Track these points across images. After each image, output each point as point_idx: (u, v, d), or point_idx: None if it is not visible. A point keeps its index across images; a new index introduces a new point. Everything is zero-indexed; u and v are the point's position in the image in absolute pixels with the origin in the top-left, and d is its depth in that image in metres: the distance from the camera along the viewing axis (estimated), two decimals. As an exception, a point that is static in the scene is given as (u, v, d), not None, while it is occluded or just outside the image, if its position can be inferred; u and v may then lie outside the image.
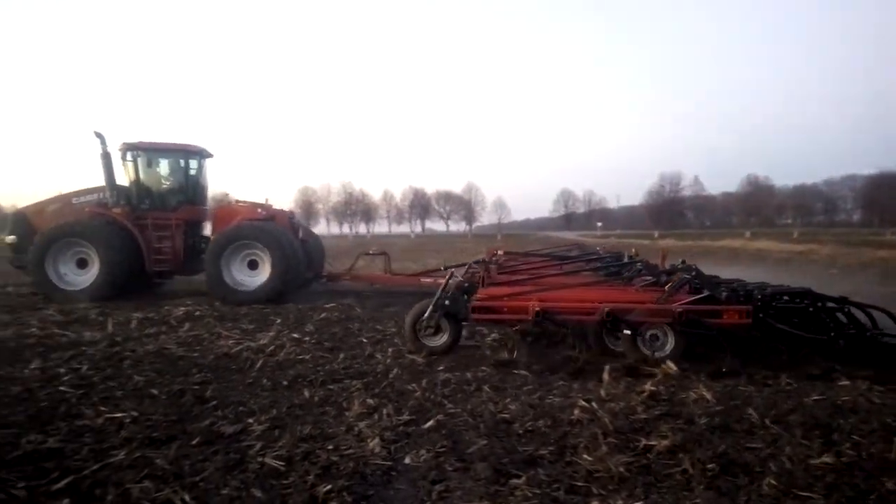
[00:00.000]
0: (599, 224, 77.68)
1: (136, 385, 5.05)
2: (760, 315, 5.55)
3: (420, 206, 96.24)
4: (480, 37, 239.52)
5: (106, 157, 11.61)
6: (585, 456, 3.50)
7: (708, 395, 4.56)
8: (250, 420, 4.12)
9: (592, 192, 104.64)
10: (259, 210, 12.16)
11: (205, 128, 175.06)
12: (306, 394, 4.79)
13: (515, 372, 5.44)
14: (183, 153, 12.34)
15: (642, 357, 5.60)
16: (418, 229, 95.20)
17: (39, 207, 12.15)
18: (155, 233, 11.66)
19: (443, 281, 6.56)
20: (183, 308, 9.35)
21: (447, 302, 6.24)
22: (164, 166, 12.36)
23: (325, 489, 3.04)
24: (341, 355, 6.15)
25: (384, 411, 4.28)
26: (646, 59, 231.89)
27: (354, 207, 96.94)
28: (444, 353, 6.18)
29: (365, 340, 7.03)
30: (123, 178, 11.91)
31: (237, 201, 13.08)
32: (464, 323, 6.34)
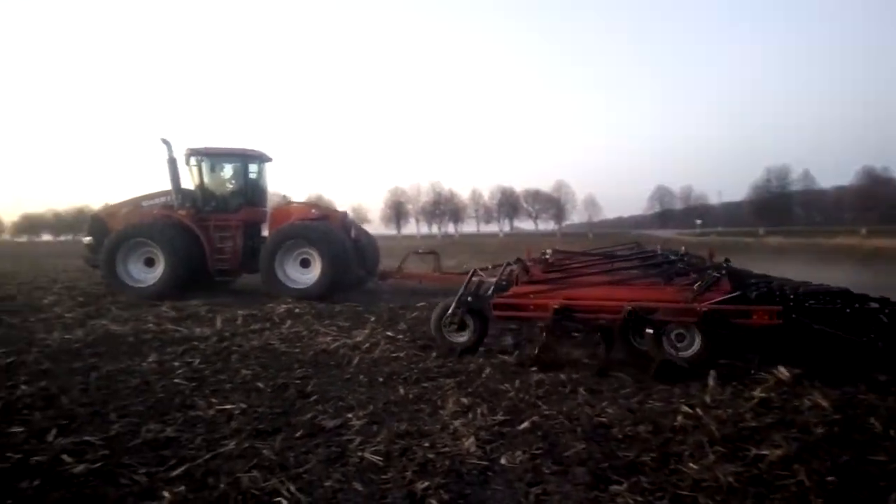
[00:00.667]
0: (699, 222, 74.19)
1: (243, 378, 5.32)
2: (793, 316, 5.26)
3: (508, 204, 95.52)
4: (570, 28, 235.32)
5: (172, 163, 12.28)
6: (691, 464, 3.35)
7: (824, 403, 4.25)
8: (349, 415, 4.24)
9: (691, 188, 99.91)
10: (312, 210, 12.69)
11: (301, 133, 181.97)
12: (401, 391, 4.88)
13: (613, 375, 5.30)
14: (243, 157, 12.95)
15: (667, 357, 5.35)
16: (507, 228, 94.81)
17: (113, 210, 13.03)
18: (216, 233, 12.30)
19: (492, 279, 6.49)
20: (284, 306, 9.78)
21: (469, 299, 6.34)
22: (225, 170, 13.04)
23: (422, 486, 3.08)
24: (434, 353, 6.21)
25: (478, 410, 4.28)
26: (747, 37, 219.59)
27: (443, 207, 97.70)
28: (468, 351, 6.25)
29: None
30: (189, 181, 12.64)
31: (293, 203, 13.50)
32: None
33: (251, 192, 13.11)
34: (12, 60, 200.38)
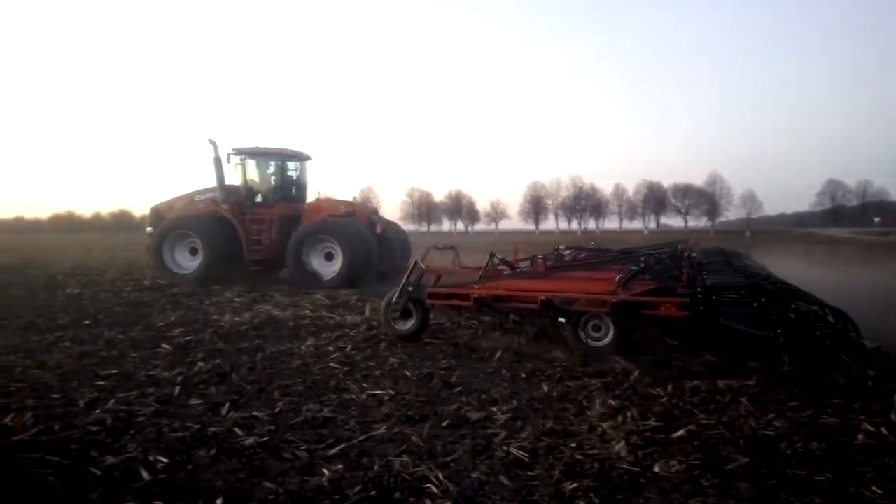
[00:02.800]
0: (877, 220, 66.19)
1: (391, 366, 5.52)
2: (700, 308, 5.32)
3: (655, 199, 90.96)
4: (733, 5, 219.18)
5: (217, 161, 13.26)
6: (875, 488, 2.97)
7: None
8: (493, 409, 4.24)
9: (869, 182, 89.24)
10: (340, 207, 13.42)
11: (442, 131, 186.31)
12: (545, 388, 4.80)
13: (779, 387, 4.83)
14: (282, 157, 14.01)
15: (584, 346, 5.86)
16: (652, 225, 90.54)
17: (170, 204, 14.29)
18: (253, 226, 13.28)
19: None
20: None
21: (411, 288, 6.76)
22: (266, 168, 13.99)
23: (570, 486, 2.99)
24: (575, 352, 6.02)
25: (628, 414, 4.09)
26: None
27: (584, 202, 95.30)
28: (411, 338, 6.65)
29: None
30: (235, 178, 13.70)
31: (324, 199, 14.09)
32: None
33: (289, 189, 14.16)
34: (67, 65, 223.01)
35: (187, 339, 6.71)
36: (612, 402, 4.36)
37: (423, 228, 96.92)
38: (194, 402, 4.48)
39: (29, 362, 5.67)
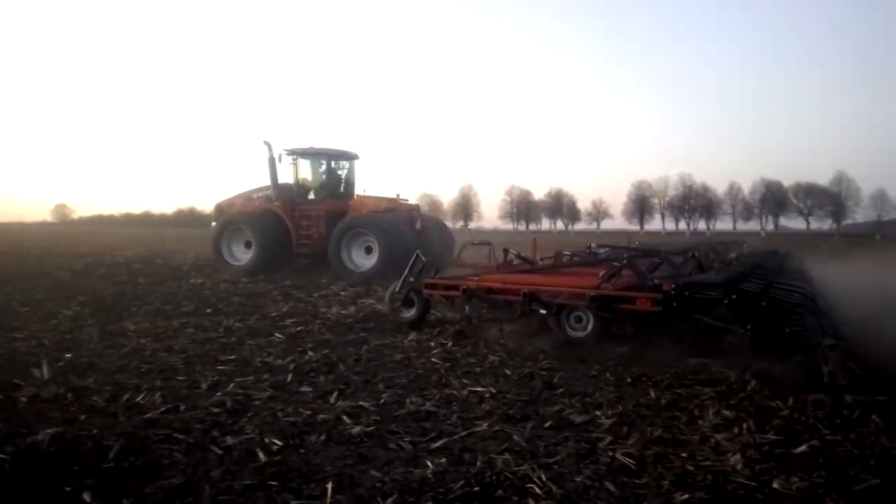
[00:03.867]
0: None
1: (491, 364, 5.53)
2: (674, 304, 5.68)
3: (773, 200, 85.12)
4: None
5: (271, 161, 14.24)
6: None
7: None
8: (597, 412, 4.13)
9: None
10: (382, 203, 14.10)
11: (543, 129, 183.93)
12: (652, 394, 4.62)
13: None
14: (331, 156, 14.96)
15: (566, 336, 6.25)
16: (770, 226, 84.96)
17: (231, 201, 15.38)
18: (302, 222, 14.20)
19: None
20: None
21: (412, 279, 7.30)
22: (315, 167, 14.99)
23: (681, 498, 2.86)
24: (691, 360, 5.72)
25: (744, 426, 3.86)
26: None
27: (693, 202, 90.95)
28: (414, 325, 7.22)
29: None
30: (288, 177, 14.72)
31: (368, 196, 14.74)
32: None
33: (337, 186, 15.11)
34: (137, 72, 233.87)
35: (298, 329, 7.04)
36: (726, 413, 4.13)
37: (522, 227, 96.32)
38: (305, 389, 4.70)
39: (157, 346, 6.17)
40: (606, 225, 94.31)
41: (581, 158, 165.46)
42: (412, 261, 7.56)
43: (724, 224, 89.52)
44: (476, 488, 2.93)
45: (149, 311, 8.36)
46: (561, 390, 4.71)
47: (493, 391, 4.62)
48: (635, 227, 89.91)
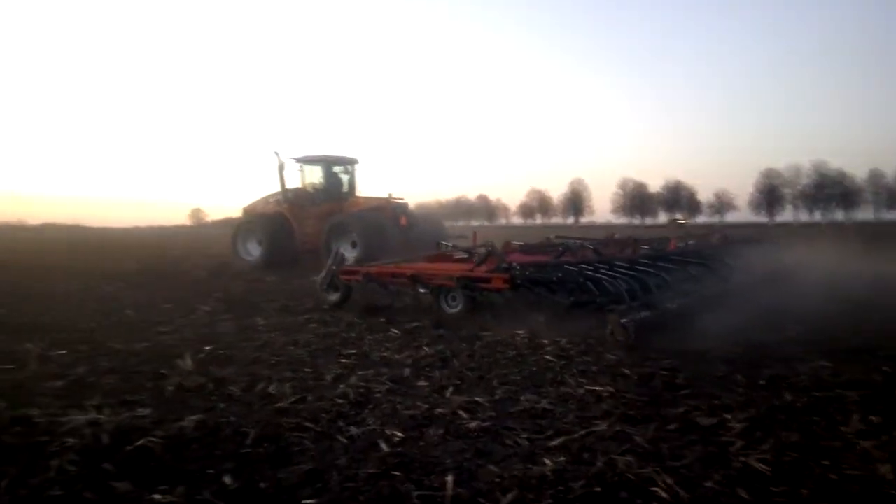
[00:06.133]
0: None
1: (608, 362, 5.37)
2: (518, 282, 6.91)
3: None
4: None
5: (280, 168, 16.09)
6: None
7: None
8: (727, 415, 3.89)
9: None
10: (371, 203, 15.91)
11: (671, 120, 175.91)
12: (787, 397, 4.30)
13: None
14: (329, 162, 16.64)
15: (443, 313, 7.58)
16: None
17: (254, 205, 17.29)
18: (306, 221, 15.82)
19: None
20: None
21: (334, 268, 8.70)
22: (319, 172, 16.64)
23: (825, 509, 2.64)
24: (822, 362, 5.28)
25: (894, 433, 3.50)
26: None
27: (829, 191, 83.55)
28: (337, 307, 8.55)
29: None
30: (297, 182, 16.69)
31: (362, 197, 16.55)
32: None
33: (339, 189, 16.82)
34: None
35: (413, 325, 7.21)
36: (873, 419, 3.77)
37: (637, 221, 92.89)
38: (422, 383, 4.80)
39: (285, 339, 6.54)
40: (732, 217, 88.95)
41: (702, 149, 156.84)
42: (333, 253, 9.19)
43: (865, 213, 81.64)
44: (598, 489, 2.86)
45: (276, 308, 8.88)
46: (685, 391, 4.50)
47: (612, 390, 4.49)
48: (763, 218, 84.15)
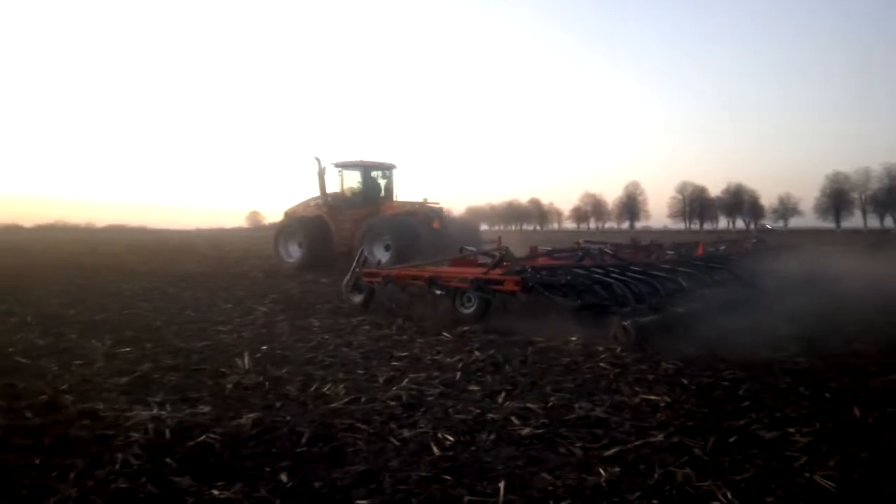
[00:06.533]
0: None
1: (665, 371, 5.24)
2: (530, 285, 7.11)
3: None
4: None
5: (321, 173, 16.48)
6: None
7: None
8: (790, 429, 3.75)
9: None
10: (406, 207, 16.25)
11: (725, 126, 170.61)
12: (856, 412, 4.10)
13: None
14: (367, 167, 17.17)
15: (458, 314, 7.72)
16: None
17: (295, 208, 17.62)
18: (343, 224, 16.11)
19: None
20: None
21: (358, 270, 9.02)
22: (357, 177, 17.14)
23: (898, 532, 2.51)
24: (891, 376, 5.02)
25: (975, 454, 3.30)
26: None
27: (902, 196, 79.17)
28: (364, 307, 8.80)
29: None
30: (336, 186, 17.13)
31: (398, 202, 16.97)
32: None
33: (376, 193, 17.26)
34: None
35: (463, 329, 7.21)
36: (952, 438, 3.56)
37: (696, 226, 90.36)
38: (473, 387, 4.79)
39: (339, 341, 6.65)
40: (796, 222, 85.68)
41: (764, 152, 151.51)
42: (357, 256, 9.34)
43: (941, 220, 77.16)
44: (654, 501, 2.80)
45: (329, 309, 9.05)
46: (747, 403, 4.34)
47: (669, 400, 4.38)
48: (830, 224, 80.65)
